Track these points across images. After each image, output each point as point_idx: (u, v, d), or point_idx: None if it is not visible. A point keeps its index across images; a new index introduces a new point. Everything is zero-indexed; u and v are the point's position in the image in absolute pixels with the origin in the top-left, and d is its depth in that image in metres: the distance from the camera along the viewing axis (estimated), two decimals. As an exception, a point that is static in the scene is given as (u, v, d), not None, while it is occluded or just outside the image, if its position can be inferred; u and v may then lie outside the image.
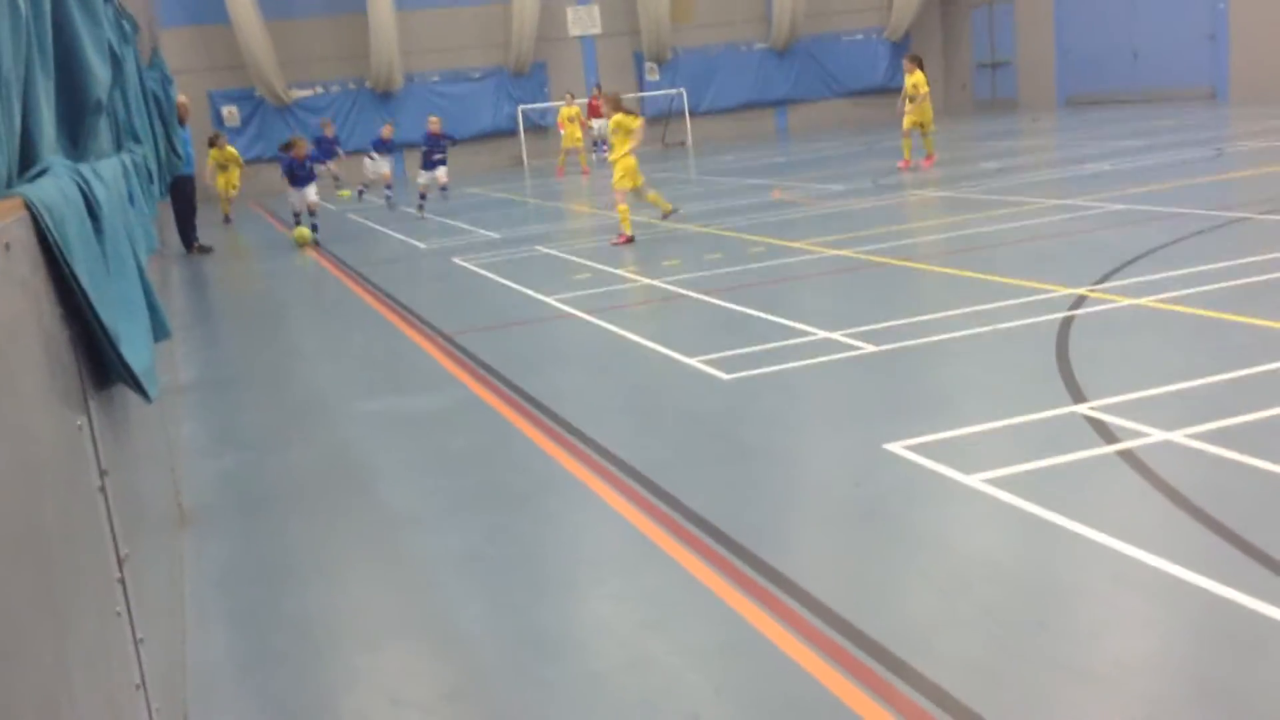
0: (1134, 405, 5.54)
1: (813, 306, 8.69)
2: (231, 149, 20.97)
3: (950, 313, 7.88)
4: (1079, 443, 5.13)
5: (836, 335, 7.54)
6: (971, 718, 3.16)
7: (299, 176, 16.15)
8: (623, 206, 12.99)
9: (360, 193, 23.92)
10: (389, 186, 21.25)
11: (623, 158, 12.96)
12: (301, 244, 15.88)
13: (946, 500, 4.71)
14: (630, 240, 12.78)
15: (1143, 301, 7.66)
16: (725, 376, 6.85)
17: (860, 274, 9.82)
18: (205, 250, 16.55)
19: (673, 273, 10.60)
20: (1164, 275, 8.37)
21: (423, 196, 18.90)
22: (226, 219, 21.13)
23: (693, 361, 7.25)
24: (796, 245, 11.61)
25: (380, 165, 21.69)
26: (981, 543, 4.35)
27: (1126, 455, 4.93)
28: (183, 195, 16.02)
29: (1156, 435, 5.10)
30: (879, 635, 3.63)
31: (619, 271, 11.06)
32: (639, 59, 32.76)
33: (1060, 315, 7.49)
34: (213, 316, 12.05)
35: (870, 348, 7.17)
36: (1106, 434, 5.21)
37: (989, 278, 8.96)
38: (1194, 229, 10.23)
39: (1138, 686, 3.28)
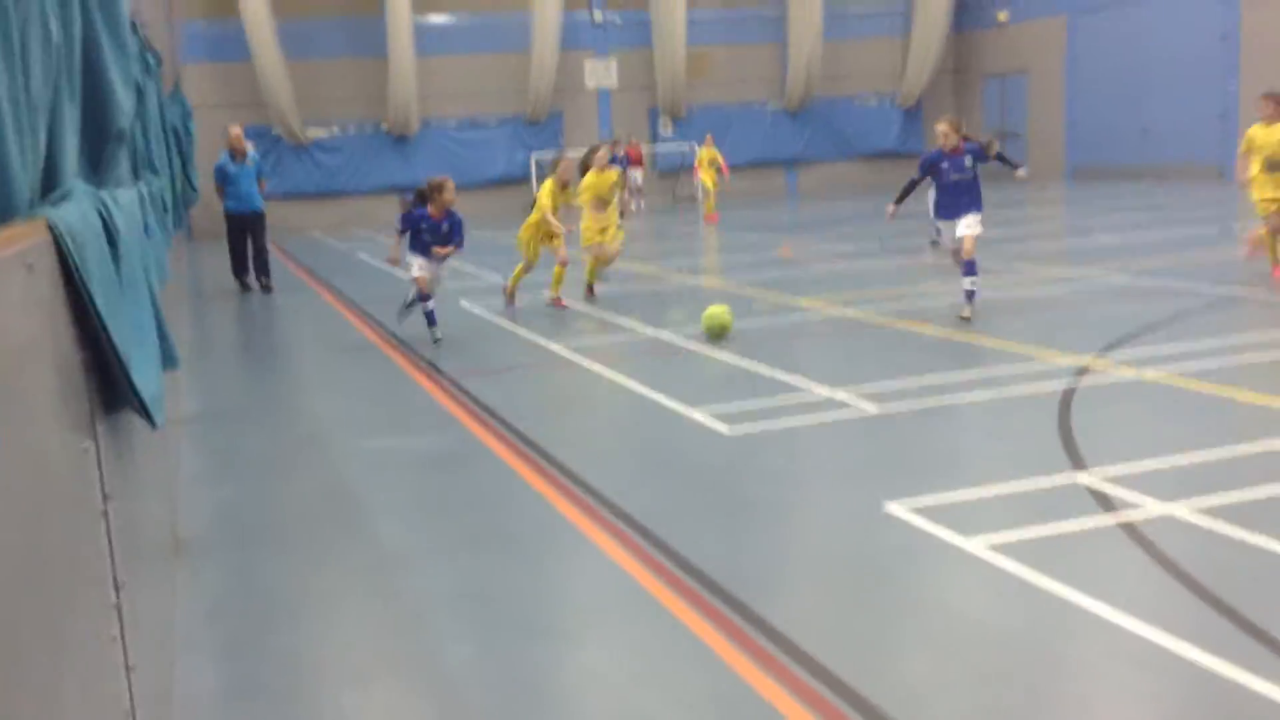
0: (1135, 477, 5.54)
1: (817, 364, 8.71)
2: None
3: (954, 376, 7.90)
4: (1079, 512, 5.13)
5: (840, 394, 7.56)
6: (962, 784, 3.14)
7: (424, 241, 10.59)
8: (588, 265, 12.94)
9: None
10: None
11: (589, 216, 12.50)
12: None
13: (945, 563, 4.70)
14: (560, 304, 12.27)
15: (1145, 374, 7.68)
16: (727, 430, 6.86)
17: (865, 334, 9.86)
18: (267, 289, 15.40)
19: (677, 325, 10.64)
20: (1166, 349, 8.40)
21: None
22: None
23: (695, 414, 7.26)
24: (802, 303, 11.67)
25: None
26: (978, 607, 4.33)
27: (1126, 526, 4.92)
28: (239, 229, 15.41)
29: (1156, 508, 5.10)
30: (872, 695, 3.61)
31: (623, 321, 11.10)
32: (654, 114, 33.11)
33: (1063, 384, 7.50)
34: (222, 349, 12.09)
35: (873, 408, 7.18)
36: (1106, 504, 5.21)
37: (993, 343, 8.99)
38: (1196, 305, 10.28)
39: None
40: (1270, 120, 11.37)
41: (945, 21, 33.55)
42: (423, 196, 10.63)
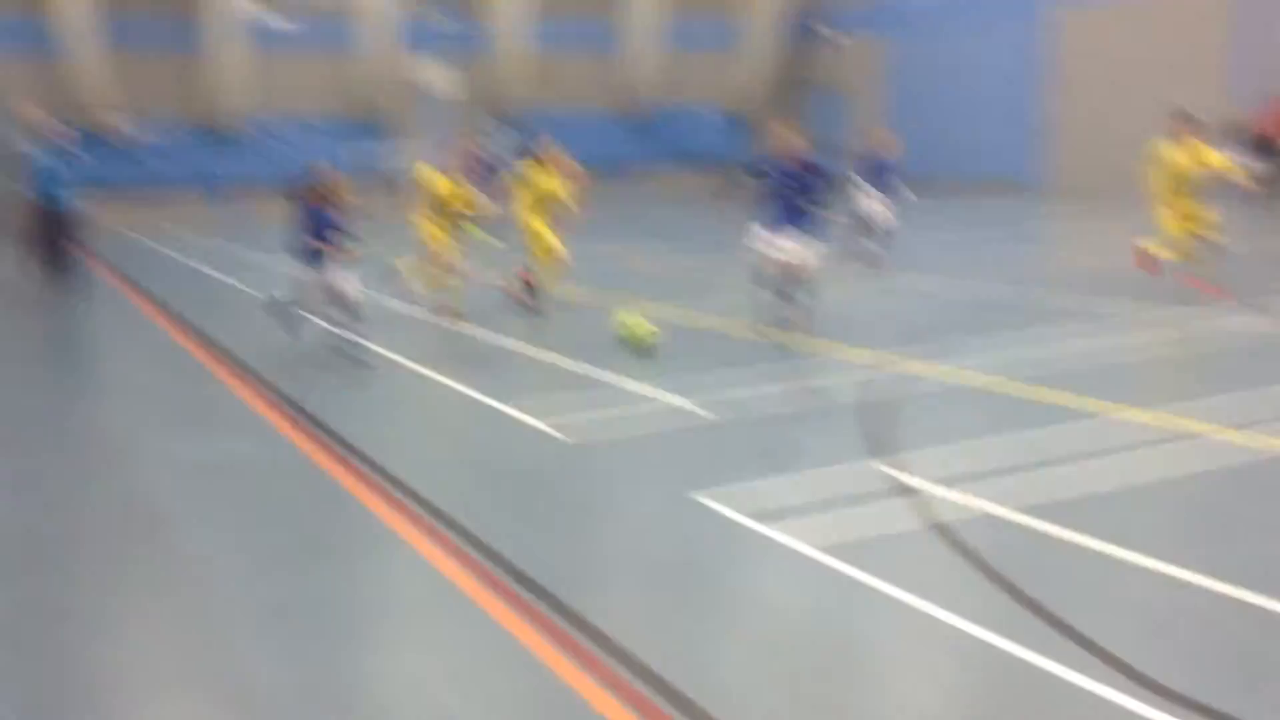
0: (935, 469, 5.78)
1: (643, 366, 8.78)
2: None
3: (770, 372, 8.09)
4: (889, 504, 5.32)
5: (643, 389, 7.65)
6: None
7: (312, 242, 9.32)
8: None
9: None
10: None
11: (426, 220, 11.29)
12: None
13: (758, 555, 4.81)
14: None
15: (946, 371, 8.03)
16: (555, 432, 6.86)
17: (697, 337, 9.98)
18: (70, 288, 13.87)
19: (516, 330, 10.55)
20: (968, 348, 8.80)
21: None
22: None
23: (524, 416, 7.23)
24: (646, 306, 11.75)
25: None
26: (788, 597, 4.44)
27: (933, 518, 5.13)
28: (43, 224, 13.97)
29: (960, 500, 5.33)
30: (686, 688, 3.66)
31: (456, 326, 10.97)
32: (486, 118, 32.89)
33: (862, 380, 7.78)
34: (18, 354, 11.41)
35: (691, 406, 7.29)
36: (906, 494, 5.41)
37: (815, 343, 9.27)
38: (998, 309, 10.81)
39: (926, 740, 3.40)
40: (1179, 139, 10.72)
41: (777, 37, 34.42)
42: (313, 194, 9.28)
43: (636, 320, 9.13)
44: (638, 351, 8.92)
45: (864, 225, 14.31)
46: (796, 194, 9.36)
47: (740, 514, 5.25)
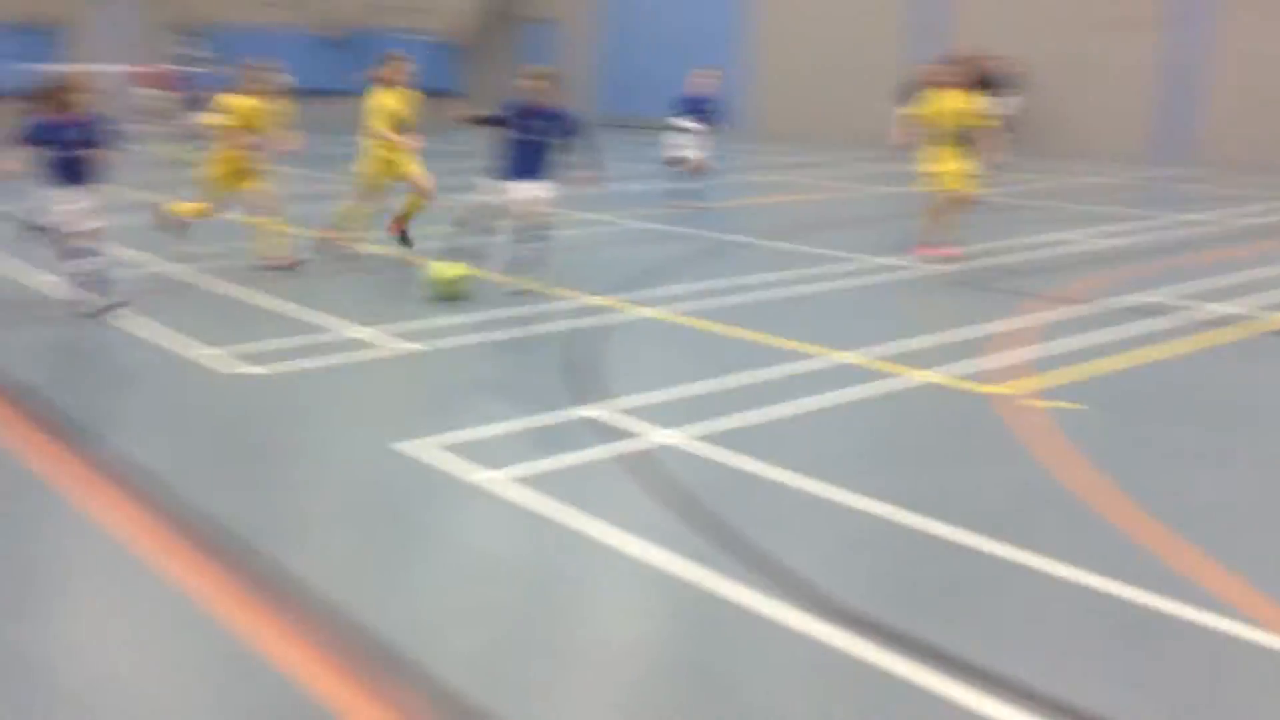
0: (636, 408, 5.91)
1: (343, 303, 8.47)
2: None
3: (475, 316, 8.01)
4: (588, 443, 5.39)
5: (364, 333, 7.41)
6: (473, 710, 3.20)
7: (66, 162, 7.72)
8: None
9: None
10: None
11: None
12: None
13: (457, 498, 4.76)
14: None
15: (648, 312, 8.23)
16: (246, 372, 6.50)
17: (397, 271, 9.71)
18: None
19: (190, 258, 9.88)
20: (671, 290, 9.04)
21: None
22: None
23: (210, 357, 6.81)
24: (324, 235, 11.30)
25: None
26: (489, 539, 4.43)
27: (631, 455, 5.24)
28: None
29: (659, 436, 5.47)
30: (384, 634, 3.57)
31: (130, 252, 10.15)
32: (175, 31, 30.51)
33: (573, 322, 7.85)
34: None
35: (395, 346, 7.12)
36: (614, 435, 5.51)
37: (512, 283, 9.24)
38: (698, 249, 11.17)
39: (625, 670, 3.49)
40: (948, 86, 10.31)
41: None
42: (47, 99, 7.65)
43: (444, 265, 8.58)
44: (447, 295, 8.45)
45: (679, 164, 14.43)
46: (538, 142, 8.75)
47: (443, 456, 5.18)
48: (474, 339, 7.41)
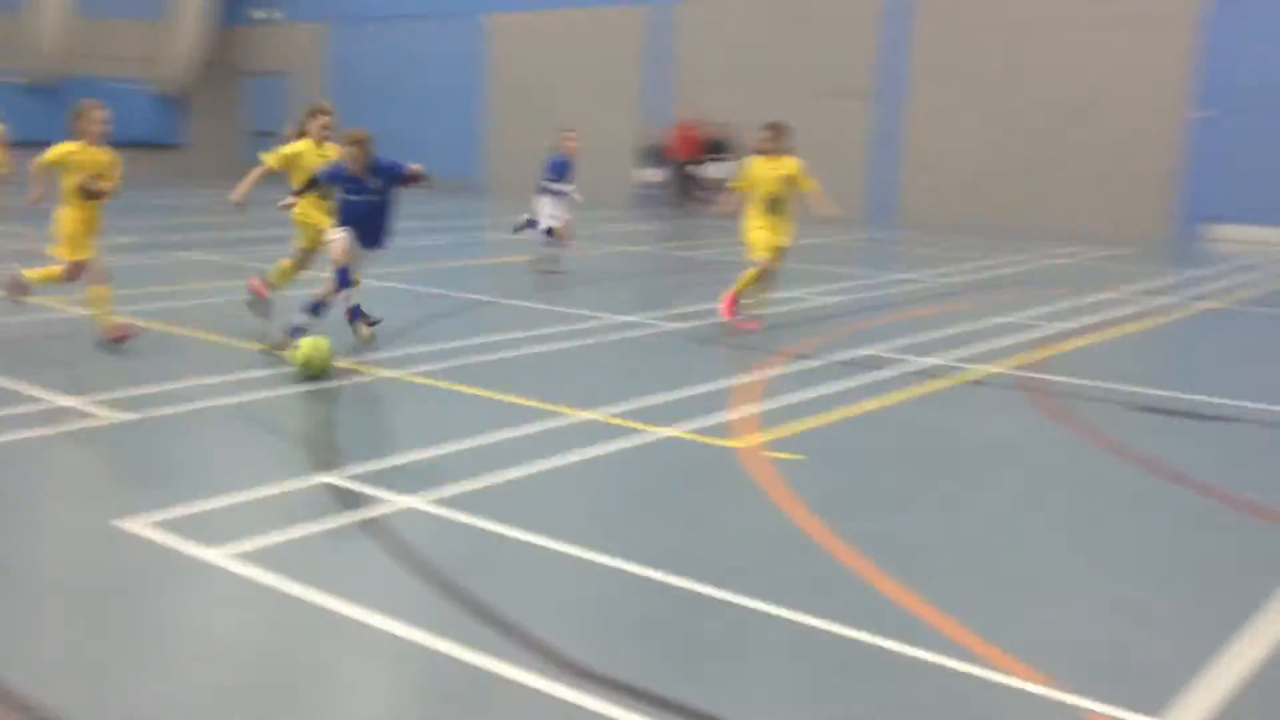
0: (380, 474, 5.75)
1: (51, 370, 7.84)
2: None
3: (201, 380, 7.61)
4: (325, 512, 5.19)
5: (74, 402, 6.88)
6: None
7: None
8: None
9: None
10: None
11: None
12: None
13: (185, 578, 4.46)
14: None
15: (391, 374, 8.07)
16: (-68, 449, 5.89)
17: (172, 341, 9.09)
18: None
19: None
20: (413, 350, 8.90)
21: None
22: None
23: (-110, 431, 6.14)
24: (36, 302, 10.49)
25: None
26: (221, 620, 4.17)
27: (371, 523, 5.08)
28: None
29: (400, 502, 5.33)
30: (95, 736, 3.28)
31: None
32: None
33: (311, 387, 7.59)
34: None
35: (111, 415, 6.65)
36: (353, 502, 5.33)
37: (228, 341, 8.86)
38: (446, 308, 11.06)
39: (364, 754, 3.34)
40: (771, 154, 10.07)
41: (208, 11, 32.53)
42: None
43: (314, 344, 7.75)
44: (315, 375, 7.69)
45: (545, 228, 13.87)
46: (372, 207, 8.54)
47: (161, 532, 4.85)
48: (199, 405, 7.02)
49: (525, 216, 14.26)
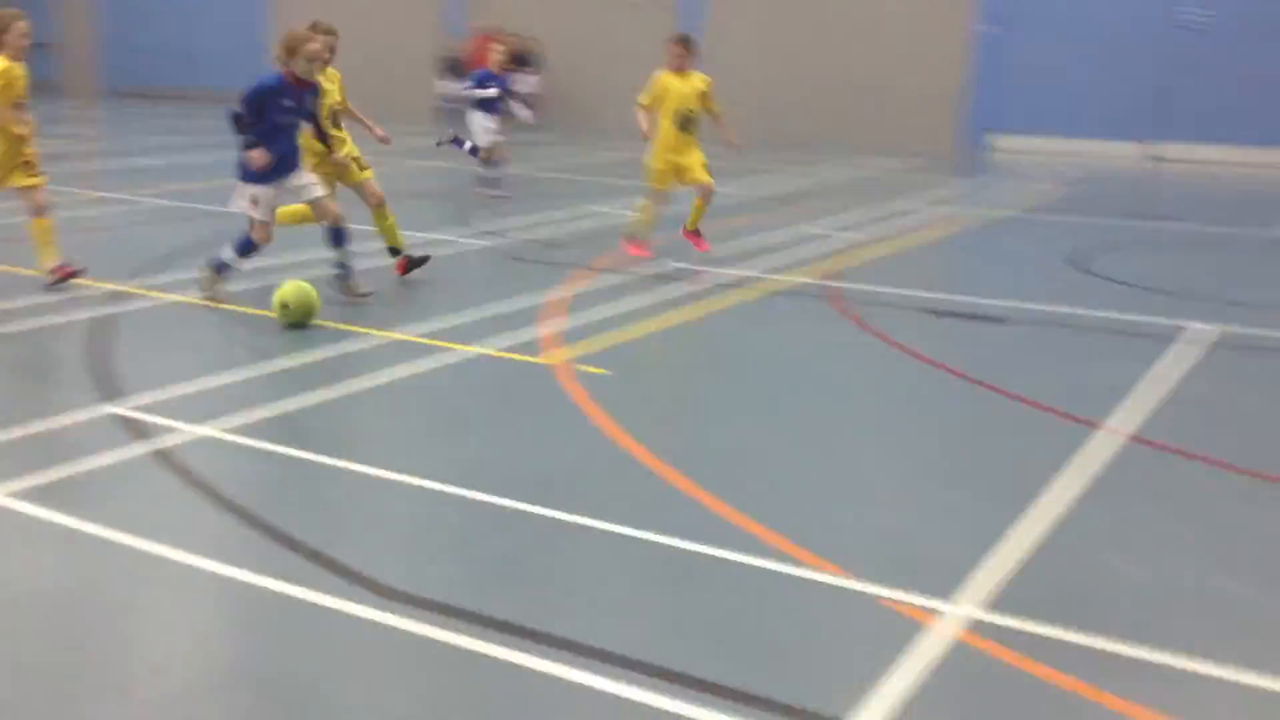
0: (168, 402, 5.46)
1: None
2: None
3: (-28, 310, 7.04)
4: (112, 444, 4.90)
5: None
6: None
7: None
8: None
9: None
10: None
11: None
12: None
13: (-41, 522, 4.14)
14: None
15: (179, 298, 7.65)
16: None
17: None
18: None
19: None
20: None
21: None
22: None
23: None
24: None
25: None
26: (8, 563, 3.89)
27: (164, 454, 4.82)
28: None
29: (189, 430, 5.08)
30: None
31: None
32: None
33: (93, 311, 7.13)
34: None
35: None
36: (141, 433, 5.05)
37: (12, 270, 8.23)
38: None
39: (168, 685, 3.18)
40: (679, 69, 9.47)
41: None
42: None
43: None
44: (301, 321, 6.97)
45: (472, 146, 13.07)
46: (294, 129, 7.69)
47: (-68, 472, 4.48)
48: (-34, 337, 6.50)
49: (451, 131, 13.62)
